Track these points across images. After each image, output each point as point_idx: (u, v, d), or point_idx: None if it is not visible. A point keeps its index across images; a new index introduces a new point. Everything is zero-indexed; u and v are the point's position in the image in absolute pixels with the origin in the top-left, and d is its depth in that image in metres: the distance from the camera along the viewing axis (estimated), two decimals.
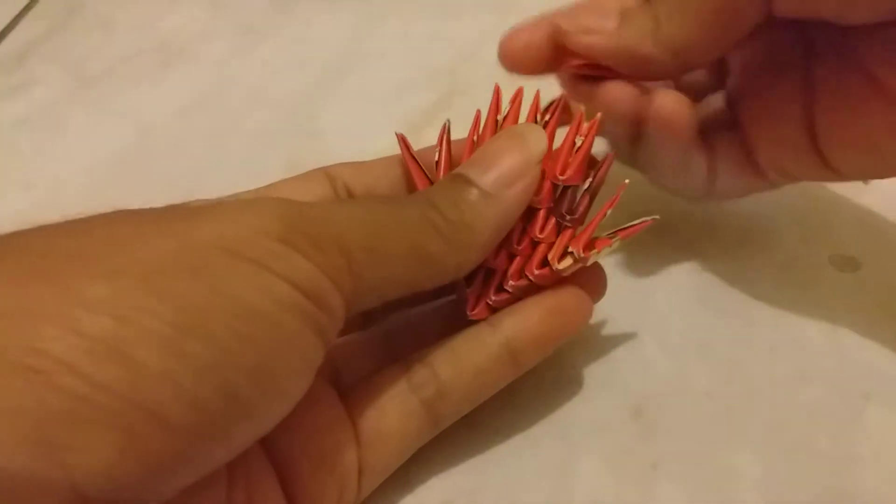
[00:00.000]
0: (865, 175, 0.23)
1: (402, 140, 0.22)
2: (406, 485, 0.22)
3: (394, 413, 0.20)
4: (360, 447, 0.20)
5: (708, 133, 0.24)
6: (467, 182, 0.20)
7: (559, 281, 0.21)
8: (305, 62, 0.38)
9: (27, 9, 0.42)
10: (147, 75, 0.38)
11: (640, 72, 0.22)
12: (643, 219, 0.21)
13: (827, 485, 0.21)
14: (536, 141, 0.21)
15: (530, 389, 0.23)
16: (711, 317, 0.26)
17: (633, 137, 0.23)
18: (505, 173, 0.20)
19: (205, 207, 0.17)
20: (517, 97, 0.22)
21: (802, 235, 0.28)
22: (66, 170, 0.33)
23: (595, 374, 0.24)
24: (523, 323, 0.21)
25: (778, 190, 0.25)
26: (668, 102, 0.21)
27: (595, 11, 0.23)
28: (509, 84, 0.23)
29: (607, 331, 0.25)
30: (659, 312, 0.26)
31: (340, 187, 0.22)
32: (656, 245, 0.27)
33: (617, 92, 0.22)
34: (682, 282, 0.27)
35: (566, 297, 0.21)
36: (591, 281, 0.22)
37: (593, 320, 0.25)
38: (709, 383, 0.24)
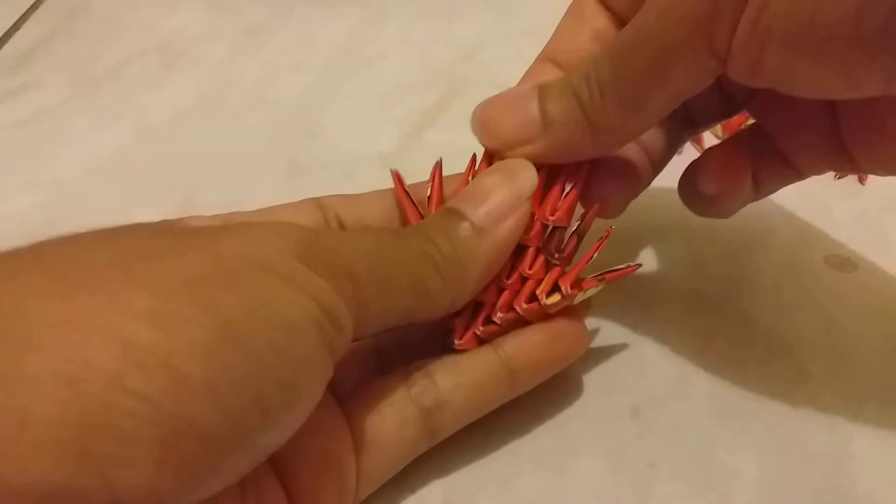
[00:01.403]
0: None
1: (397, 177, 0.23)
2: (406, 484, 0.22)
3: (392, 420, 0.20)
4: (357, 453, 0.20)
5: (746, 147, 0.24)
6: (460, 216, 0.20)
7: (547, 316, 0.22)
8: (306, 63, 0.38)
9: (30, 11, 0.42)
10: (149, 77, 0.38)
11: (586, 156, 0.21)
12: (628, 264, 0.22)
13: (824, 485, 0.21)
14: (527, 177, 0.21)
15: (530, 389, 0.23)
16: (709, 318, 0.26)
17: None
18: (496, 208, 0.20)
19: (227, 227, 0.17)
20: None
21: (798, 236, 0.28)
22: (69, 171, 0.33)
23: (594, 374, 0.24)
24: (524, 344, 0.21)
25: (774, 192, 0.25)
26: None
27: (511, 106, 0.21)
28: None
29: (606, 331, 0.25)
30: (657, 313, 0.26)
31: (332, 217, 0.22)
32: (655, 246, 0.27)
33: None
34: (680, 283, 0.27)
35: (566, 326, 0.22)
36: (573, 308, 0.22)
37: (592, 321, 0.25)
38: (706, 383, 0.24)
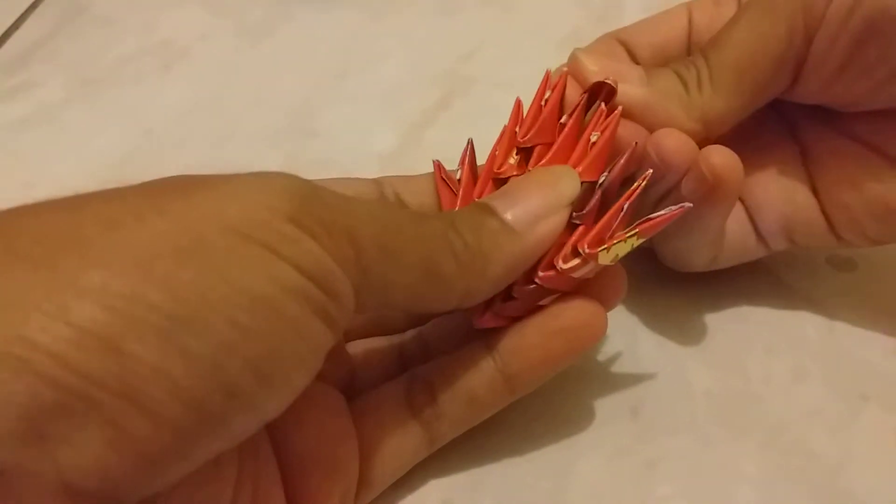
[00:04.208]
0: (871, 240, 0.23)
1: (438, 166, 0.22)
2: (406, 483, 0.22)
3: (393, 431, 0.20)
4: (360, 461, 0.20)
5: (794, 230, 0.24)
6: (491, 212, 0.19)
7: (575, 289, 0.20)
8: (306, 62, 0.38)
9: (30, 10, 0.42)
10: (148, 77, 0.38)
11: (669, 123, 0.22)
12: (671, 208, 0.19)
13: (824, 484, 0.21)
14: (569, 185, 0.20)
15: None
16: (709, 316, 0.26)
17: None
18: (530, 211, 0.19)
19: (209, 180, 0.16)
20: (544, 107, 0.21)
21: None
22: (67, 170, 0.33)
23: (593, 373, 0.24)
24: (519, 348, 0.20)
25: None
26: (720, 157, 0.21)
27: (620, 58, 0.23)
28: (515, 86, 0.23)
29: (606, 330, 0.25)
30: (657, 312, 0.26)
31: (390, 194, 0.22)
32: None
33: (673, 142, 0.21)
34: (680, 282, 0.27)
35: (571, 317, 0.20)
36: (607, 285, 0.21)
37: None
38: (707, 383, 0.24)
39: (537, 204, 0.19)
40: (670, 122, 0.22)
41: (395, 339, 0.23)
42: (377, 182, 0.22)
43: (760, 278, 0.27)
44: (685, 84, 0.22)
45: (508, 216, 0.19)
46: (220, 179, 0.16)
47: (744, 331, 0.25)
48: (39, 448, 0.12)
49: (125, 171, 0.33)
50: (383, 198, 0.21)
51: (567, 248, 0.19)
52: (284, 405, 0.16)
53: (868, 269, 0.27)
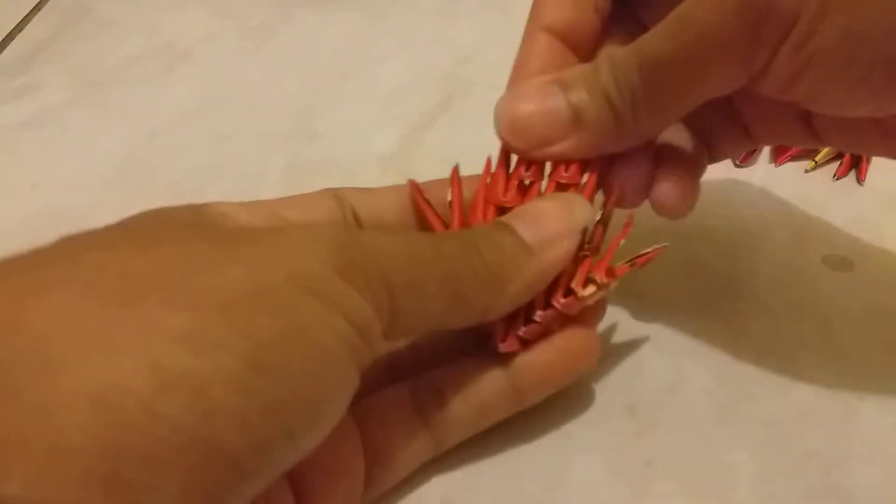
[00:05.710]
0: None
1: (415, 186, 0.23)
2: (406, 481, 0.22)
3: (400, 433, 0.21)
4: (365, 462, 0.20)
5: (705, 126, 0.24)
6: (511, 231, 0.20)
7: (570, 319, 0.22)
8: (307, 65, 0.38)
9: (33, 12, 0.43)
10: (151, 78, 0.38)
11: (609, 151, 0.22)
12: (655, 246, 0.22)
13: (819, 483, 0.22)
14: (582, 212, 0.21)
15: None
16: (706, 316, 0.26)
17: None
18: (548, 233, 0.20)
19: (265, 235, 0.16)
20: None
21: (796, 236, 0.28)
22: (71, 172, 0.33)
23: (592, 372, 0.24)
24: (533, 364, 0.21)
25: (772, 191, 0.25)
26: (667, 195, 0.22)
27: (538, 104, 0.21)
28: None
29: (604, 330, 0.26)
30: (655, 312, 0.26)
31: (347, 208, 0.22)
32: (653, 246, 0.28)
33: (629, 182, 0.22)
34: (678, 282, 0.27)
35: (576, 340, 0.22)
36: (591, 313, 0.22)
37: None
38: (704, 382, 0.24)
39: (555, 227, 0.20)
40: (603, 148, 0.21)
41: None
42: (336, 195, 0.22)
43: (757, 278, 0.27)
44: (616, 113, 0.20)
45: (527, 236, 0.20)
46: (269, 232, 0.17)
47: (741, 330, 0.25)
48: (123, 495, 0.12)
49: (128, 172, 0.33)
50: (345, 213, 0.22)
51: (581, 277, 0.21)
52: (319, 443, 0.16)
53: (864, 269, 0.27)
